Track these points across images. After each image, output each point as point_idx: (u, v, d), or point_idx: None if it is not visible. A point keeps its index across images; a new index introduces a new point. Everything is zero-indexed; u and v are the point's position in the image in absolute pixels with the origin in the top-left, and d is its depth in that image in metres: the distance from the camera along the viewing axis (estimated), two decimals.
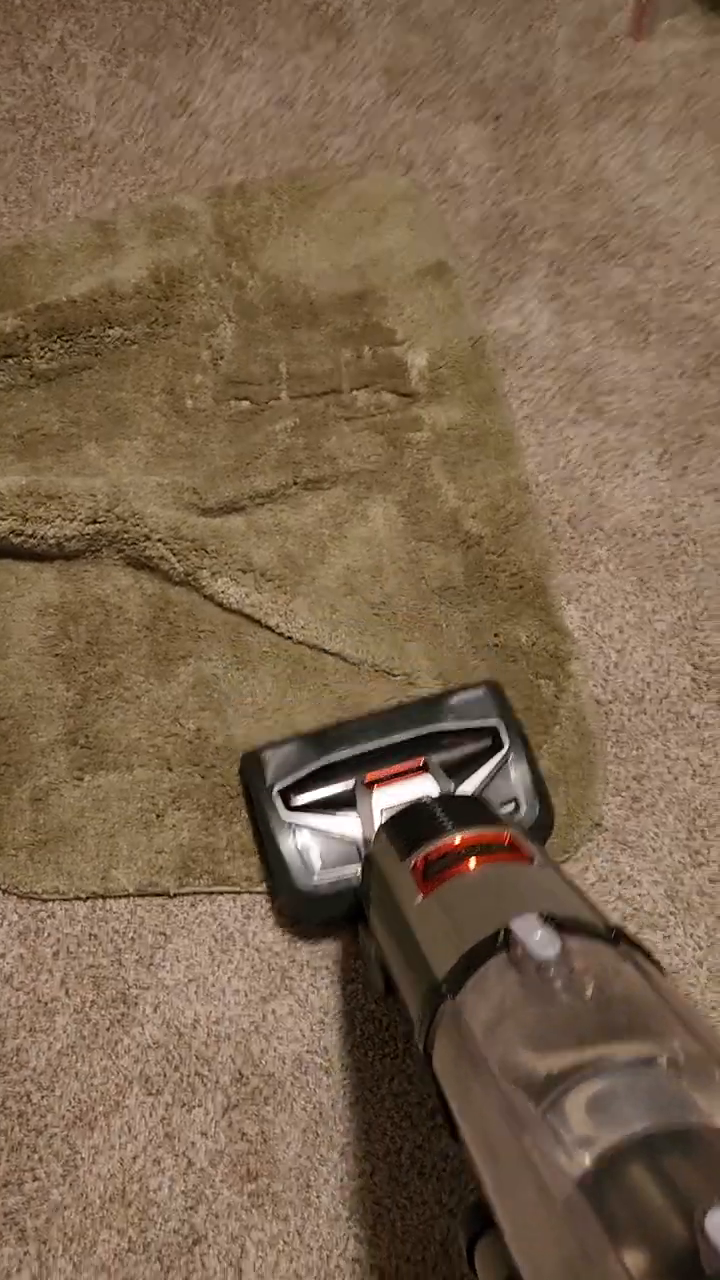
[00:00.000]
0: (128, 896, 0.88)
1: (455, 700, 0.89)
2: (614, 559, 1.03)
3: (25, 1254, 0.78)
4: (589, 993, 0.50)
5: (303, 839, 0.84)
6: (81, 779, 0.90)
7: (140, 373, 1.06)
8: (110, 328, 1.05)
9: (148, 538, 0.95)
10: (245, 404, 1.06)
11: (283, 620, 0.96)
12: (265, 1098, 0.83)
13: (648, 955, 0.55)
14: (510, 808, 0.86)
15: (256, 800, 0.85)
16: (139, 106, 1.24)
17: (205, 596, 0.97)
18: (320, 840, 0.84)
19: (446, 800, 0.76)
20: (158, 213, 1.14)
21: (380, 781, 0.83)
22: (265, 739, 0.90)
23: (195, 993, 0.86)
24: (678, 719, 0.97)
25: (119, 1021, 0.85)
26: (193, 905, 0.89)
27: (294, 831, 0.84)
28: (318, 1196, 0.80)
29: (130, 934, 0.87)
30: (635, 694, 0.98)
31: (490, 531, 1.01)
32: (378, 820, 0.81)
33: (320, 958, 0.87)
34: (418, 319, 1.10)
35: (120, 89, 1.25)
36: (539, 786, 0.87)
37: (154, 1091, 0.83)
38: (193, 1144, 0.81)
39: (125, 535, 0.95)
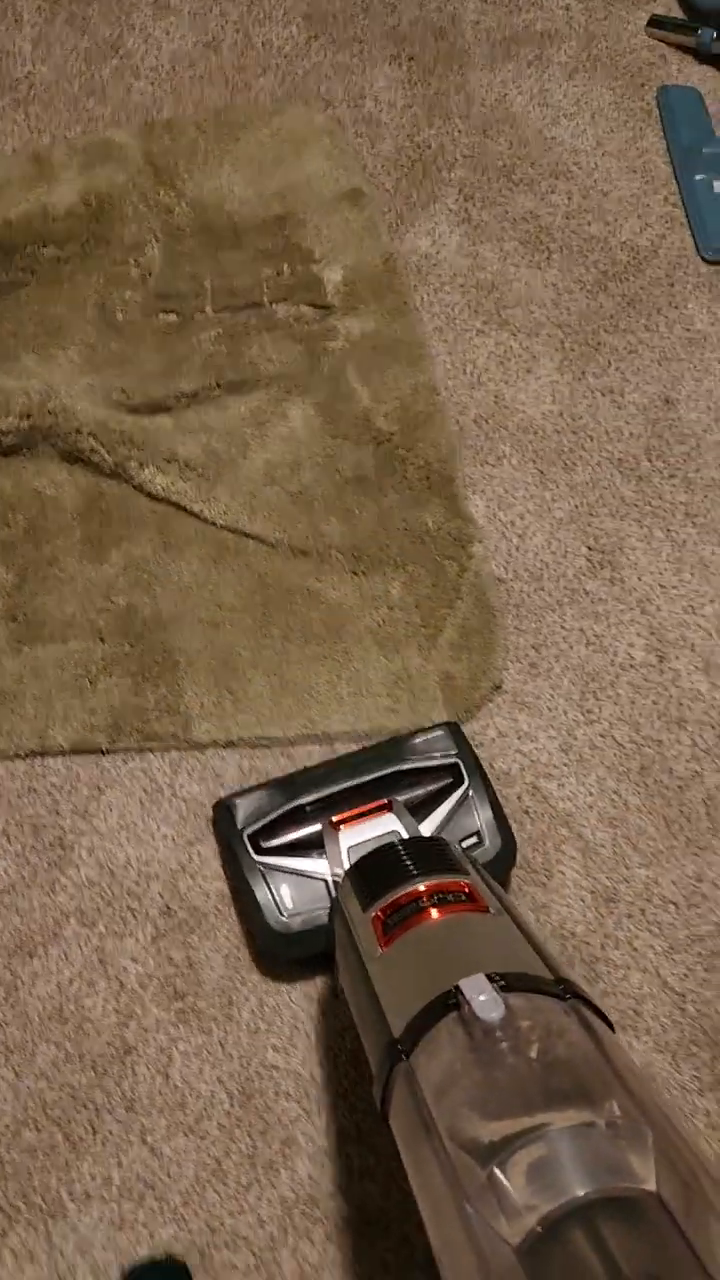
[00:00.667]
0: (64, 754, 0.96)
1: (418, 740, 0.93)
2: (516, 454, 1.12)
3: None
4: (534, 1053, 0.51)
5: (274, 880, 0.86)
6: (20, 650, 0.98)
7: (73, 289, 1.13)
8: (44, 247, 1.12)
9: (78, 431, 1.02)
10: (172, 317, 1.13)
11: (205, 506, 1.03)
12: (191, 928, 0.90)
13: (594, 1008, 0.57)
14: (473, 840, 0.89)
15: (229, 845, 0.89)
16: (73, 50, 1.32)
17: (134, 487, 1.04)
18: (291, 881, 0.86)
19: (410, 843, 0.79)
20: (89, 145, 1.22)
21: (347, 821, 0.86)
22: (198, 628, 0.98)
23: (127, 838, 0.93)
24: (573, 595, 1.05)
25: (56, 864, 0.92)
26: (124, 761, 0.96)
27: (265, 874, 0.86)
28: (239, 1012, 0.88)
29: (67, 788, 0.95)
30: (534, 573, 1.06)
31: (400, 429, 1.09)
32: (345, 859, 0.83)
33: None
34: (334, 240, 1.18)
35: (55, 34, 1.32)
36: (500, 820, 0.90)
37: (88, 924, 0.90)
38: (124, 969, 0.89)
39: (57, 429, 1.03)
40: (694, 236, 1.24)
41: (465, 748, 0.93)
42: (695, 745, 0.99)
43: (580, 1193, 0.42)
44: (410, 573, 1.03)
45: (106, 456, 1.03)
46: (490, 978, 0.54)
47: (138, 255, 1.15)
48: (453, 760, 0.91)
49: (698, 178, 1.26)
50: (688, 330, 1.19)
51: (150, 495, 1.04)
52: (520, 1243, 0.42)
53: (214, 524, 1.04)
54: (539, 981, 0.56)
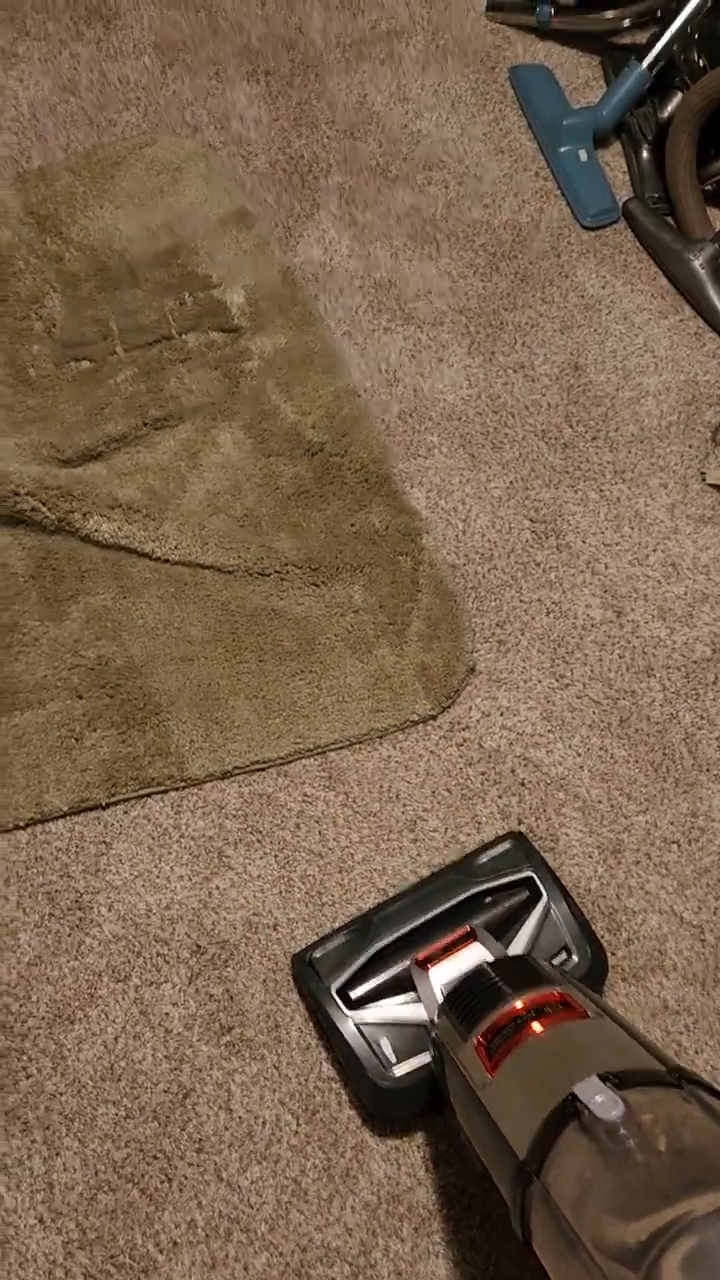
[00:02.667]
0: (64, 816, 0.95)
1: (484, 859, 0.91)
2: (445, 442, 1.14)
3: (32, 1142, 0.85)
4: (661, 1145, 0.50)
5: (372, 1034, 0.83)
6: None
7: None
8: None
9: (16, 493, 1.02)
10: (85, 364, 1.13)
11: (156, 545, 1.04)
12: (224, 961, 0.91)
13: (711, 1090, 0.56)
14: (562, 957, 0.87)
15: (318, 1004, 0.85)
16: None
17: (81, 539, 1.04)
18: (390, 1032, 0.83)
19: (497, 965, 0.77)
20: None
21: (432, 959, 0.83)
22: (173, 666, 0.98)
23: (143, 886, 0.93)
24: (525, 568, 1.08)
25: (78, 926, 0.92)
26: (125, 812, 0.96)
27: (361, 1029, 0.83)
28: (286, 1033, 0.89)
29: (73, 849, 0.94)
30: (485, 554, 1.09)
31: (330, 437, 1.11)
32: (439, 999, 0.80)
33: (249, 833, 0.96)
34: (228, 262, 1.19)
35: None
36: (586, 931, 0.88)
37: (122, 978, 0.90)
38: (166, 1014, 0.89)
39: None
40: (570, 206, 1.28)
41: (535, 858, 0.91)
42: (665, 689, 1.03)
43: None
44: (368, 574, 1.05)
45: (48, 513, 1.03)
46: (603, 1078, 0.54)
47: (38, 308, 1.15)
48: (526, 874, 0.89)
49: (563, 149, 1.30)
50: (581, 297, 1.23)
51: (99, 544, 1.04)
52: None
53: (168, 561, 1.04)
54: (652, 1074, 0.56)
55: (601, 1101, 0.52)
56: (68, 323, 1.15)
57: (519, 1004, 0.68)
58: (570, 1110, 0.54)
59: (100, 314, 1.15)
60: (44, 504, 1.02)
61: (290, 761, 0.98)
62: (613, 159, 1.33)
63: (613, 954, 0.91)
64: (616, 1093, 0.52)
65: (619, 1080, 0.54)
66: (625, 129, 1.32)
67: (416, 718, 1.00)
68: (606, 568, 1.08)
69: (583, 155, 1.30)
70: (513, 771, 0.99)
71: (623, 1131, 0.51)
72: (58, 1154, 0.84)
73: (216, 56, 1.35)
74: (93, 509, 1.03)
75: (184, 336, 1.15)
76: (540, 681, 1.03)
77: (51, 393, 1.11)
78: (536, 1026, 0.65)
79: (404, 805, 0.98)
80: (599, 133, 1.31)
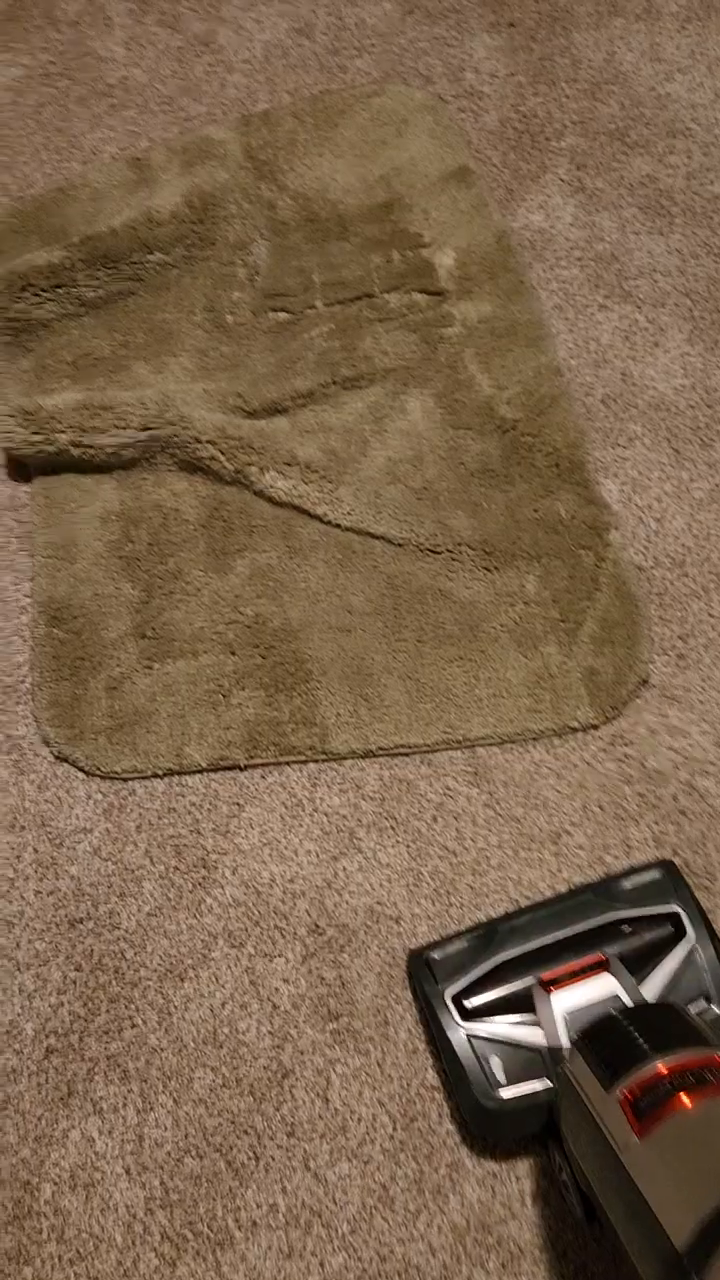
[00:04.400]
0: (201, 771, 0.94)
1: (629, 884, 0.84)
2: (649, 434, 1.06)
3: (129, 1092, 0.84)
4: None
5: (482, 1050, 0.78)
6: (151, 668, 0.96)
7: (181, 294, 1.11)
8: (150, 253, 1.10)
9: (197, 440, 1.00)
10: (282, 314, 1.10)
11: (329, 509, 1.00)
12: (341, 946, 0.88)
13: None
14: (701, 1005, 0.79)
15: (429, 1006, 0.81)
16: (165, 49, 1.29)
17: (255, 493, 1.02)
18: (502, 1051, 0.79)
19: (639, 1015, 0.72)
20: (188, 145, 1.19)
21: (558, 982, 0.78)
22: (329, 635, 0.95)
23: (270, 855, 0.91)
24: None
25: (201, 884, 0.90)
26: (262, 776, 0.94)
27: (472, 1042, 0.78)
28: (395, 1032, 0.85)
29: (206, 805, 0.93)
30: (676, 559, 1.00)
31: (525, 415, 1.04)
32: (561, 1027, 0.76)
33: (384, 819, 0.92)
34: (443, 221, 1.14)
35: (146, 35, 1.30)
36: None
37: (237, 944, 0.88)
38: (276, 990, 0.87)
39: (176, 439, 1.01)
40: None
41: (686, 892, 0.83)
42: None
43: None
44: (545, 565, 0.99)
45: (226, 464, 1.01)
46: None
47: (244, 254, 1.12)
48: (673, 908, 0.82)
49: None
50: None
51: (272, 501, 1.01)
52: None
53: (338, 526, 1.01)
54: None
55: None
56: (271, 271, 1.12)
57: (663, 1068, 0.62)
58: None
59: (305, 265, 1.12)
60: (223, 454, 1.01)
61: (436, 750, 0.94)
62: None
63: None
64: None
65: None
66: None
67: (576, 725, 0.94)
68: None
69: None
70: (674, 798, 0.91)
71: None
72: (151, 1109, 0.84)
73: (460, 4, 1.29)
74: (270, 464, 1.01)
75: (386, 295, 1.10)
76: (718, 705, 0.94)
77: (245, 341, 1.09)
78: (686, 1099, 0.58)
79: (550, 815, 0.92)
80: None
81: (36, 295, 1.07)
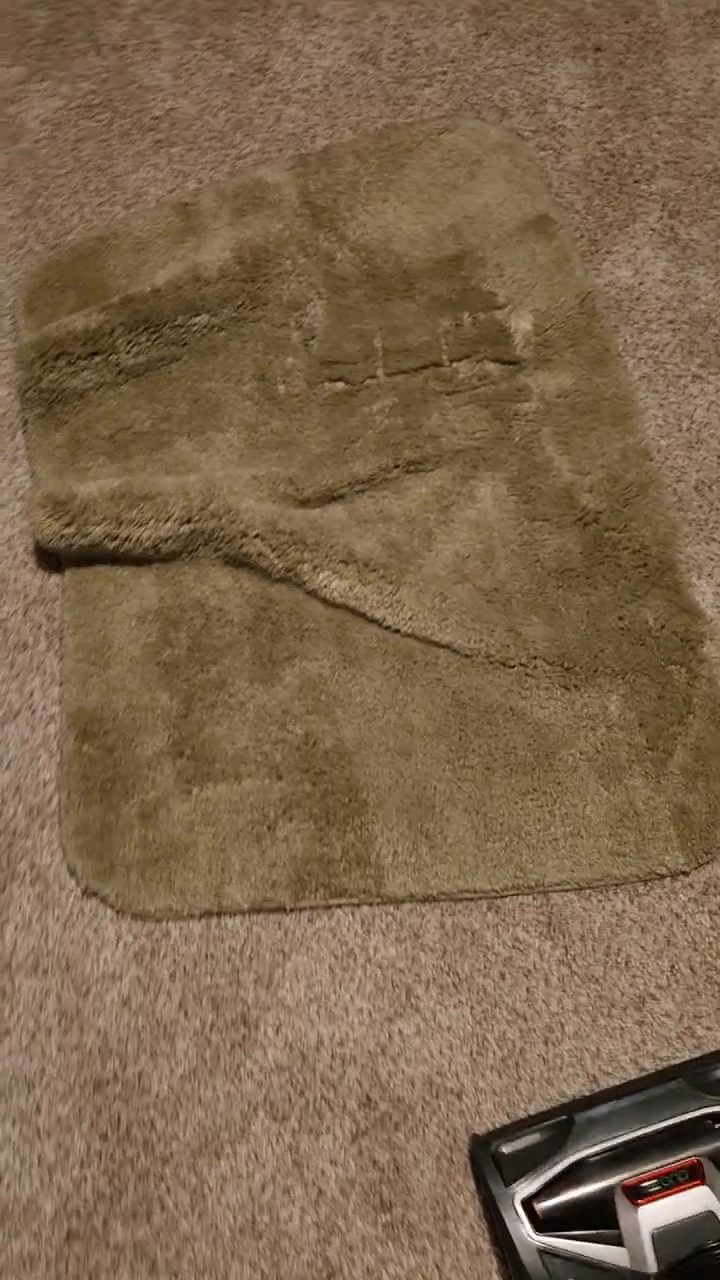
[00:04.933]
0: (243, 913, 0.85)
1: None
2: None
3: None
4: None
5: (556, 1269, 0.70)
6: (190, 792, 0.87)
7: (229, 360, 1.01)
8: (196, 315, 1.00)
9: (244, 534, 0.90)
10: (340, 385, 1.00)
11: (389, 612, 0.90)
12: (395, 1123, 0.79)
13: None
14: None
15: (496, 1210, 0.72)
16: (216, 78, 1.18)
17: (308, 593, 0.92)
18: (578, 1272, 0.70)
19: None
20: (240, 189, 1.09)
21: (645, 1192, 0.70)
22: (386, 759, 0.85)
23: (317, 1013, 0.82)
24: None
25: (240, 1044, 0.81)
26: (310, 920, 0.85)
27: (545, 1259, 0.70)
28: (455, 1228, 0.76)
29: (247, 952, 0.84)
30: None
31: (609, 505, 0.93)
32: (648, 1248, 0.68)
33: (445, 974, 0.82)
34: (520, 279, 1.02)
35: (196, 61, 1.20)
36: None
37: (280, 1117, 0.79)
38: (322, 1172, 0.78)
39: (221, 533, 0.91)
40: None
41: None
42: None
43: None
44: (631, 683, 0.88)
45: (275, 561, 0.91)
46: None
47: (299, 316, 1.02)
48: None
49: None
50: None
51: (326, 601, 0.91)
52: None
53: (399, 631, 0.90)
54: None
55: None
56: (328, 335, 1.02)
57: None
58: None
59: (365, 328, 1.01)
60: (273, 549, 0.91)
61: (505, 896, 0.84)
62: None
63: None
64: None
65: None
66: None
67: (665, 870, 0.83)
68: None
69: None
70: None
71: None
72: None
73: (541, 26, 1.17)
74: (325, 562, 0.91)
75: (455, 364, 0.99)
76: None
77: (299, 415, 0.99)
78: None
79: (633, 976, 0.81)
80: None
81: (71, 364, 0.98)
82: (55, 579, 0.96)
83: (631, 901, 0.83)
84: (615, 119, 1.11)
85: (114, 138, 1.17)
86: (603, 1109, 0.74)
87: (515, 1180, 0.72)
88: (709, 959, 0.81)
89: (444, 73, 1.15)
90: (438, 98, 1.14)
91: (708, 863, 0.84)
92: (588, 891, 0.84)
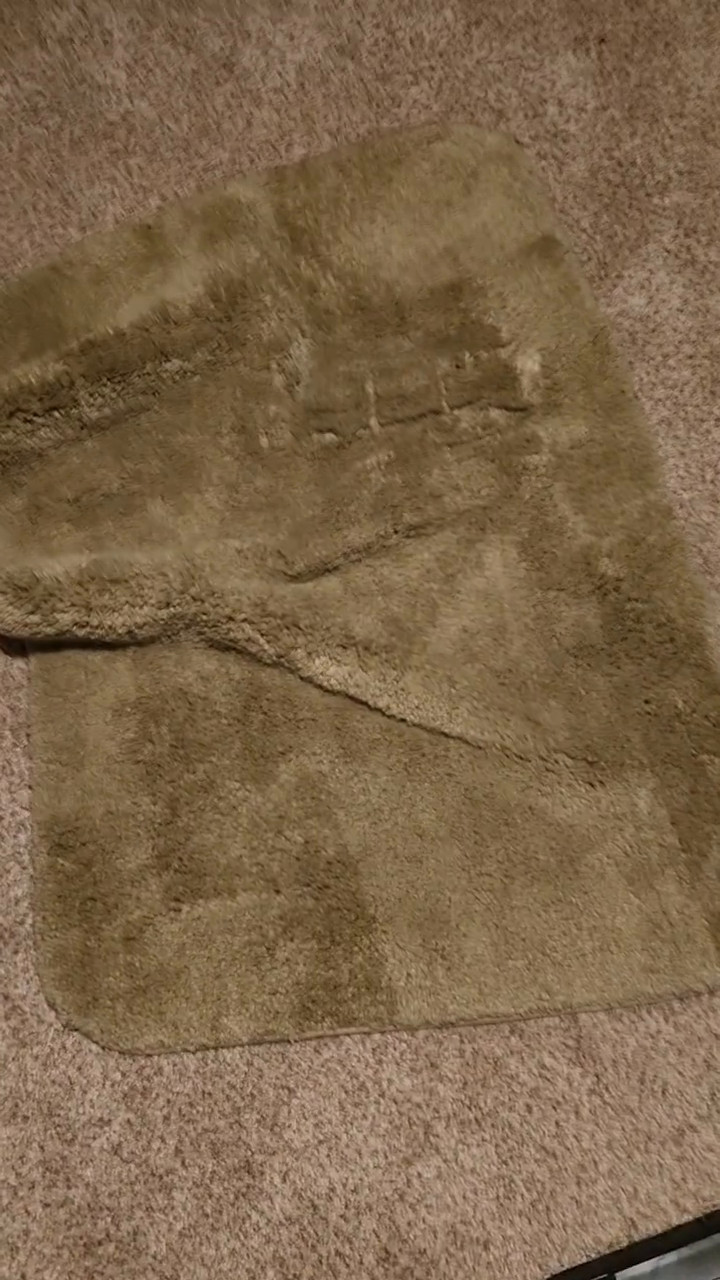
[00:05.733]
0: (242, 1046, 0.77)
1: None
2: None
3: None
4: None
5: None
6: (179, 910, 0.79)
7: (205, 409, 0.91)
8: (166, 360, 0.89)
9: (231, 619, 0.81)
10: (329, 436, 0.90)
11: (394, 701, 0.82)
12: (418, 1279, 0.72)
13: None
14: None
15: None
16: (177, 75, 1.06)
17: (303, 679, 0.83)
18: None
19: None
20: (209, 209, 0.97)
21: None
22: (395, 867, 0.77)
23: (328, 1156, 0.75)
24: None
25: (244, 1194, 0.74)
26: (316, 1051, 0.77)
27: None
28: None
29: (249, 1089, 0.76)
30: None
31: (630, 572, 0.85)
32: None
33: (466, 1108, 0.75)
34: (525, 311, 0.92)
35: (153, 55, 1.07)
36: None
37: (291, 1276, 0.73)
38: None
39: (205, 617, 0.82)
40: None
41: None
42: None
43: None
44: (660, 775, 0.80)
45: (267, 647, 0.82)
46: None
47: (281, 357, 0.91)
48: None
49: None
50: None
51: (323, 688, 0.83)
52: None
53: (404, 720, 0.82)
54: None
55: None
56: (315, 379, 0.91)
57: None
58: None
59: (355, 370, 0.91)
60: (263, 634, 0.82)
61: (529, 1019, 0.77)
62: None
63: None
64: None
65: None
66: None
67: (702, 986, 0.76)
68: None
69: None
70: None
71: None
72: None
73: (537, 13, 1.05)
74: (321, 647, 0.82)
75: (456, 412, 0.90)
76: None
77: (285, 472, 0.89)
78: None
79: (671, 1105, 0.75)
80: None
81: (28, 421, 0.87)
82: (20, 664, 0.87)
83: (667, 1021, 0.77)
84: (623, 122, 1.01)
85: (64, 147, 1.04)
86: (646, 1267, 0.68)
87: None
88: None
89: (432, 68, 1.04)
90: (425, 98, 1.03)
91: None
92: (619, 1011, 0.77)
